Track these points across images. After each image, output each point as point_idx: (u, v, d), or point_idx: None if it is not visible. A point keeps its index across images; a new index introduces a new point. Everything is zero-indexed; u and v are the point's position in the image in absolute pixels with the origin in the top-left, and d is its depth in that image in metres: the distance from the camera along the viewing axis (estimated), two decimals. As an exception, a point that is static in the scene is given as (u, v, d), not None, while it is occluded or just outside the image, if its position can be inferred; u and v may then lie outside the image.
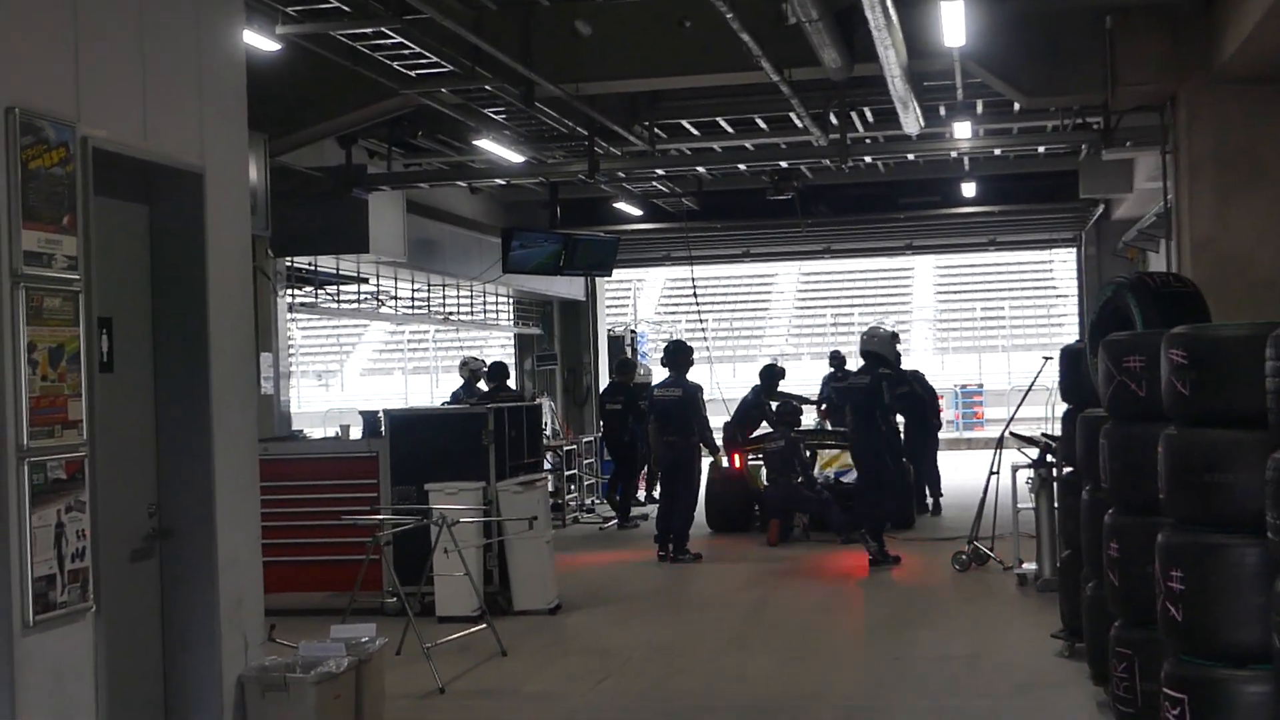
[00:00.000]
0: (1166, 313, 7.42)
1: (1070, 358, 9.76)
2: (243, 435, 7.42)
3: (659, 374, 19.00)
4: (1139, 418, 6.69)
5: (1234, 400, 5.51)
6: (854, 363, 16.60)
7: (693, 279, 23.02)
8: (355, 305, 20.59)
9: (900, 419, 17.00)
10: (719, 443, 17.46)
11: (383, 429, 13.28)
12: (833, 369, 21.30)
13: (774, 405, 18.24)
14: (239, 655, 7.21)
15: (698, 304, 24.36)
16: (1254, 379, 5.24)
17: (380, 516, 11.47)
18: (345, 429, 16.09)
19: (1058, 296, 49.20)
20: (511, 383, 19.90)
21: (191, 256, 7.03)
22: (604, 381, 26.73)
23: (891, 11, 10.43)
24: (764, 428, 18.34)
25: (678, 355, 16.20)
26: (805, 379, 30.31)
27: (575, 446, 20.65)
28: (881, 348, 15.02)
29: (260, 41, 10.53)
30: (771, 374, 19.00)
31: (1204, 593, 5.48)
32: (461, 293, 23.19)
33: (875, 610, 12.56)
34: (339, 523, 11.21)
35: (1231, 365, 5.55)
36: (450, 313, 23.14)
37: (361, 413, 16.10)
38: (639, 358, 26.44)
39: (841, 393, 15.23)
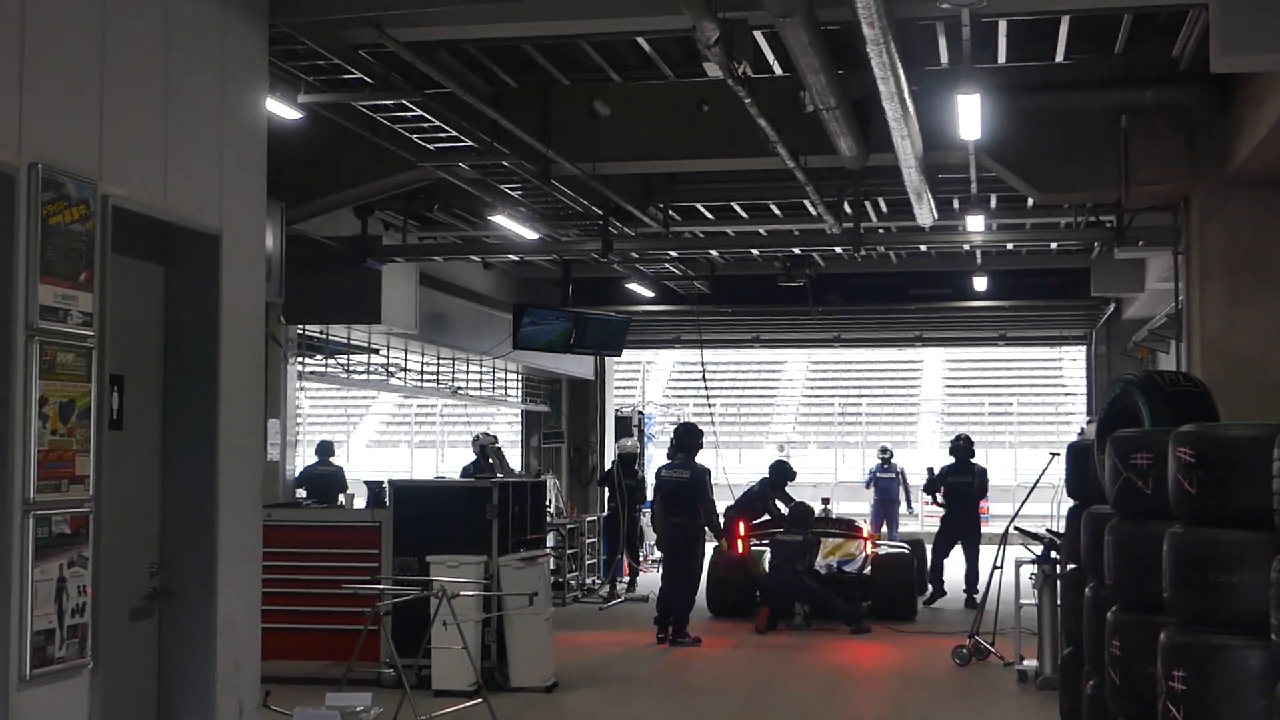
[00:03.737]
0: (1175, 411, 7.39)
1: (1077, 454, 9.73)
2: (247, 500, 7.42)
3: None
4: (1145, 515, 6.66)
5: (1241, 500, 5.48)
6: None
7: (702, 362, 23.01)
8: (365, 376, 20.63)
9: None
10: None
11: (387, 499, 13.27)
12: (955, 459, 19.75)
13: (782, 505, 18.09)
14: (233, 719, 7.17)
15: (706, 388, 24.31)
16: (1261, 479, 5.23)
17: (380, 587, 11.44)
18: (350, 498, 16.09)
19: (1066, 394, 49.17)
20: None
21: (205, 318, 7.07)
22: (609, 462, 26.72)
23: (909, 103, 10.53)
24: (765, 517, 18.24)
25: (687, 438, 16.16)
26: (813, 469, 30.18)
27: (578, 525, 20.59)
28: None
29: (282, 109, 10.63)
30: (782, 471, 18.76)
31: (1206, 694, 5.44)
32: (471, 367, 23.23)
33: (874, 702, 12.48)
34: (339, 591, 11.18)
35: (1239, 465, 5.53)
36: (459, 387, 23.17)
37: (366, 482, 16.10)
38: (646, 440, 26.40)
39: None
